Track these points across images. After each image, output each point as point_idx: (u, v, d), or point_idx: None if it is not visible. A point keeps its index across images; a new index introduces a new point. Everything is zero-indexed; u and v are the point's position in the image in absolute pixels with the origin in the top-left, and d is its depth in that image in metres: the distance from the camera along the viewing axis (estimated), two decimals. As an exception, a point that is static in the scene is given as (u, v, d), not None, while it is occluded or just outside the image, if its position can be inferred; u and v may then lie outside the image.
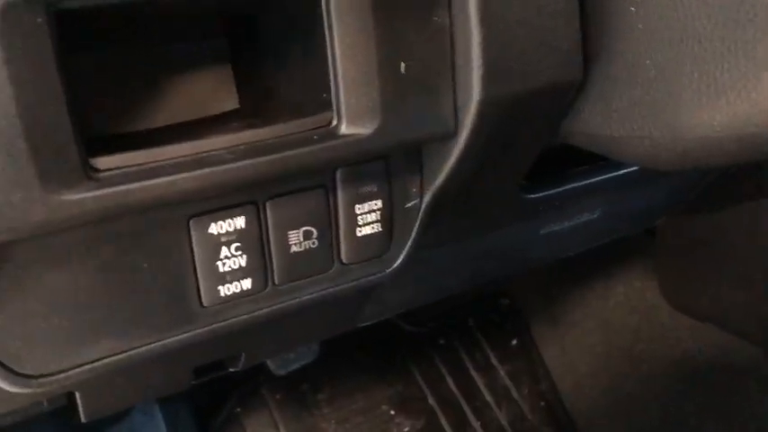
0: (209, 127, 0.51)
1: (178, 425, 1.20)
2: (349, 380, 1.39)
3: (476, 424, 1.39)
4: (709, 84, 0.44)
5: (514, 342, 1.50)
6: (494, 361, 1.47)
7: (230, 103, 0.56)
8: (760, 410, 1.19)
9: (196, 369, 0.69)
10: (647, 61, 0.47)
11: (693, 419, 1.27)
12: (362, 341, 1.42)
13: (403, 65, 0.44)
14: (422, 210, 0.52)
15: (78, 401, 0.63)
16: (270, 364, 1.17)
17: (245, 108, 0.55)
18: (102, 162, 0.38)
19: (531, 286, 1.51)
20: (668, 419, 1.30)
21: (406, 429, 1.36)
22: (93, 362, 0.44)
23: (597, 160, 0.71)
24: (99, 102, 0.50)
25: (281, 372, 1.16)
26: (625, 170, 0.73)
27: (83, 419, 0.67)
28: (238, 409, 1.31)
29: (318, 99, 0.45)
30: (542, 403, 1.44)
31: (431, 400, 1.41)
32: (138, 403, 1.06)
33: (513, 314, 1.52)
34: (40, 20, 0.34)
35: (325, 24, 0.42)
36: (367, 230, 0.50)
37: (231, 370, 0.77)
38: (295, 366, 1.16)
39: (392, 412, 1.38)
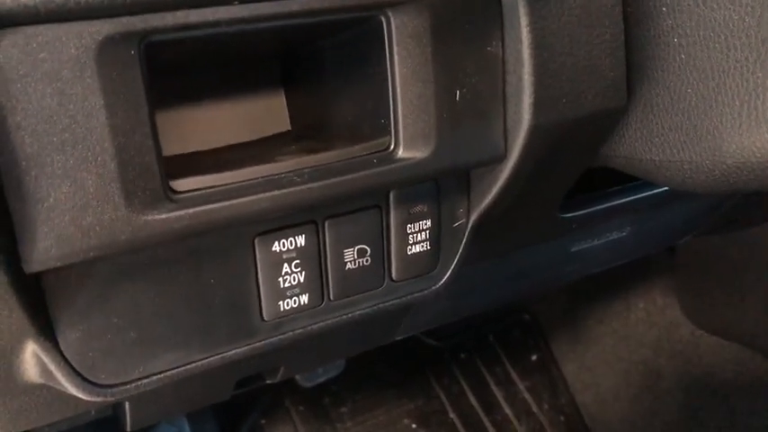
0: (267, 149, 0.54)
1: (205, 435, 1.22)
2: (370, 394, 1.41)
3: (496, 438, 1.41)
4: (750, 112, 0.47)
5: (534, 357, 1.51)
6: (514, 376, 1.49)
7: (281, 124, 0.59)
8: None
9: (239, 381, 0.71)
10: (689, 90, 0.49)
11: (714, 436, 1.27)
12: (384, 356, 1.44)
13: (458, 93, 0.46)
14: (468, 229, 0.55)
15: (127, 412, 0.65)
16: (297, 376, 1.19)
17: (297, 130, 0.57)
18: (181, 184, 0.41)
19: (552, 302, 1.52)
20: (689, 436, 1.31)
21: (428, 443, 1.38)
22: (158, 373, 0.47)
23: (627, 181, 0.74)
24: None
25: (308, 384, 1.18)
26: (656, 190, 0.75)
27: (128, 429, 0.69)
28: (263, 421, 1.33)
29: (375, 124, 0.48)
30: (562, 417, 1.45)
31: (451, 414, 1.42)
32: (179, 414, 1.08)
33: (534, 330, 1.53)
34: (133, 51, 0.36)
35: (387, 53, 0.44)
36: (417, 249, 0.52)
37: (268, 382, 0.80)
38: (321, 379, 1.18)
39: (414, 426, 1.40)
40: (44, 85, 0.35)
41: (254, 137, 0.57)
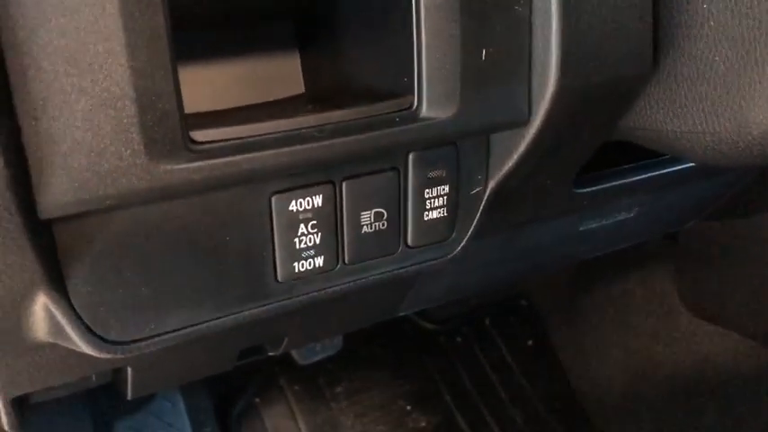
0: (283, 108, 0.52)
1: (199, 412, 1.21)
2: (366, 375, 1.40)
3: (491, 421, 1.40)
4: (780, 81, 0.46)
5: (531, 343, 1.51)
6: (509, 360, 1.48)
7: (295, 87, 0.57)
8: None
9: (241, 351, 0.70)
10: (716, 57, 0.48)
11: (710, 425, 1.27)
12: (380, 338, 1.43)
13: (484, 52, 0.45)
14: (485, 197, 0.54)
15: (129, 378, 0.64)
16: (294, 354, 1.18)
17: (311, 93, 0.56)
18: (201, 135, 0.39)
19: (550, 288, 1.52)
20: (684, 424, 1.31)
21: (423, 425, 1.37)
22: (170, 331, 0.45)
23: (636, 160, 0.73)
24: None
25: (305, 362, 1.17)
26: (668, 170, 0.74)
27: (129, 396, 0.68)
28: (257, 399, 1.32)
29: (397, 82, 0.46)
30: (557, 403, 1.44)
31: (447, 397, 1.42)
32: (179, 383, 1.07)
33: (531, 315, 1.53)
34: (157, -9, 0.35)
35: (413, 10, 0.43)
36: (434, 215, 0.51)
37: (270, 354, 0.79)
38: (319, 357, 1.17)
39: (408, 408, 1.39)
40: (64, 22, 0.34)
41: (266, 100, 0.56)
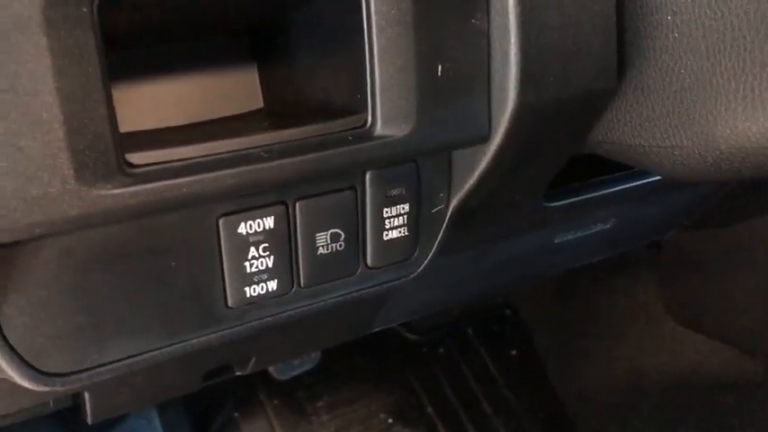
0: (235, 125, 0.50)
1: (176, 428, 1.19)
2: (347, 387, 1.38)
3: (474, 434, 1.39)
4: (746, 95, 0.44)
5: (514, 353, 1.49)
6: (493, 371, 1.47)
7: (254, 102, 0.56)
8: (763, 428, 1.19)
9: (206, 372, 0.68)
10: (682, 71, 0.47)
11: (695, 433, 1.26)
12: (360, 349, 1.41)
13: (440, 67, 0.43)
14: (448, 215, 0.52)
15: (87, 403, 0.62)
16: (271, 369, 1.16)
17: (270, 108, 0.54)
18: (137, 158, 0.38)
19: (535, 297, 1.50)
20: (669, 433, 1.29)
21: (405, 438, 1.35)
22: (115, 362, 0.43)
23: (612, 171, 0.71)
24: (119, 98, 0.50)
25: (283, 377, 1.15)
26: (642, 181, 0.72)
27: (90, 421, 0.66)
28: (236, 414, 1.30)
29: (352, 99, 0.45)
30: (542, 414, 1.43)
31: (429, 410, 1.40)
32: (143, 407, 1.05)
33: (515, 325, 1.51)
34: (84, 9, 0.33)
35: (365, 24, 0.41)
36: (394, 234, 0.50)
37: (239, 373, 0.76)
38: (296, 372, 1.15)
39: (390, 421, 1.37)
40: (-17, 41, 0.32)
41: (225, 115, 0.54)
